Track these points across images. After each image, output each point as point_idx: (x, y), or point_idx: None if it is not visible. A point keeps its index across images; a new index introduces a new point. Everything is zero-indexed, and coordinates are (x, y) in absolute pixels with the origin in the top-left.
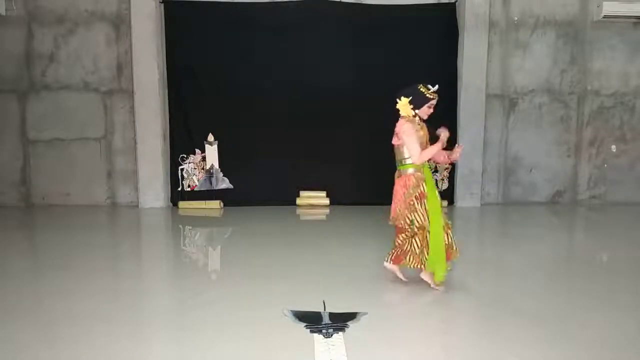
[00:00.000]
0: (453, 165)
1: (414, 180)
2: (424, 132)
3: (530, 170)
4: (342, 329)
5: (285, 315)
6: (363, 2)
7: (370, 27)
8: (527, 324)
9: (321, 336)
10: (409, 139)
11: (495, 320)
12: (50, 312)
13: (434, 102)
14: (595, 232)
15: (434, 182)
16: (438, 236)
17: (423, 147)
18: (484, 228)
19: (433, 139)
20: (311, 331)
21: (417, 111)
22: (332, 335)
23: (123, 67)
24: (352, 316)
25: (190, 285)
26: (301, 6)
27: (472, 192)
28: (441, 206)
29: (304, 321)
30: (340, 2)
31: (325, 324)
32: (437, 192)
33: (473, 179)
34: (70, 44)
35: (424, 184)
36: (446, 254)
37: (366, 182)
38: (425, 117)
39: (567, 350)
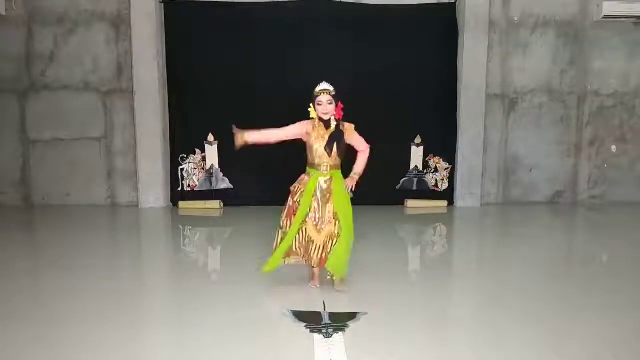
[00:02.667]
0: (453, 165)
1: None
2: (318, 135)
3: (530, 170)
4: (342, 329)
5: (286, 315)
6: (363, 2)
7: (370, 27)
8: (527, 324)
9: (321, 336)
10: (289, 126)
11: (495, 320)
12: (50, 311)
13: (320, 98)
14: (595, 232)
15: (327, 186)
16: (289, 236)
17: (311, 147)
18: (484, 228)
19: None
20: (311, 331)
21: (317, 112)
22: (332, 335)
23: (123, 67)
24: (352, 316)
25: (190, 285)
26: (301, 6)
27: (472, 192)
28: (310, 211)
29: (304, 321)
30: (340, 2)
31: (325, 324)
32: (317, 197)
33: (473, 179)
34: (70, 44)
35: (303, 185)
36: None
37: (365, 181)
38: (323, 117)
39: (568, 350)
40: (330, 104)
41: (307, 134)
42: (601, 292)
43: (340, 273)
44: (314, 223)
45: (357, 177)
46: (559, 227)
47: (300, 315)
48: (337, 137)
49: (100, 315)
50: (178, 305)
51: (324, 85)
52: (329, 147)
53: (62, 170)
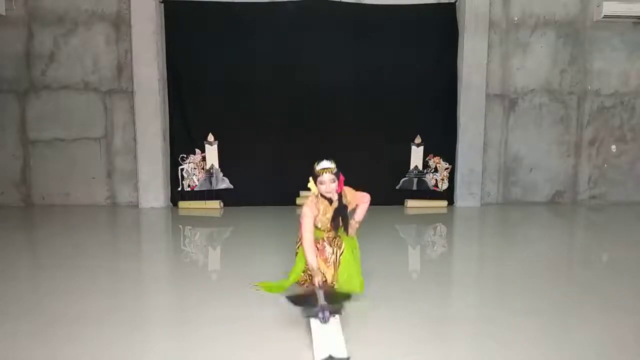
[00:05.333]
0: (453, 165)
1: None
2: (327, 214)
3: (530, 170)
4: (338, 311)
5: (281, 303)
6: (363, 2)
7: (370, 27)
8: (527, 324)
9: (319, 330)
10: (303, 221)
11: (495, 319)
12: (49, 311)
13: (322, 178)
14: (595, 232)
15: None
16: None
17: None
18: (484, 228)
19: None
20: (307, 316)
21: (319, 190)
22: (328, 319)
23: (123, 67)
24: (346, 296)
25: (190, 285)
26: (301, 6)
27: (472, 192)
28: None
29: (300, 305)
30: (340, 2)
31: (320, 307)
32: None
33: (473, 179)
34: (70, 44)
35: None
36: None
37: (365, 181)
38: (328, 195)
39: (569, 350)
40: (333, 182)
41: (317, 209)
42: (602, 292)
43: (355, 287)
44: (324, 257)
45: (357, 225)
46: (559, 227)
47: (295, 300)
48: (341, 211)
49: (98, 314)
50: (177, 304)
51: (325, 164)
52: (334, 222)
53: (62, 170)
